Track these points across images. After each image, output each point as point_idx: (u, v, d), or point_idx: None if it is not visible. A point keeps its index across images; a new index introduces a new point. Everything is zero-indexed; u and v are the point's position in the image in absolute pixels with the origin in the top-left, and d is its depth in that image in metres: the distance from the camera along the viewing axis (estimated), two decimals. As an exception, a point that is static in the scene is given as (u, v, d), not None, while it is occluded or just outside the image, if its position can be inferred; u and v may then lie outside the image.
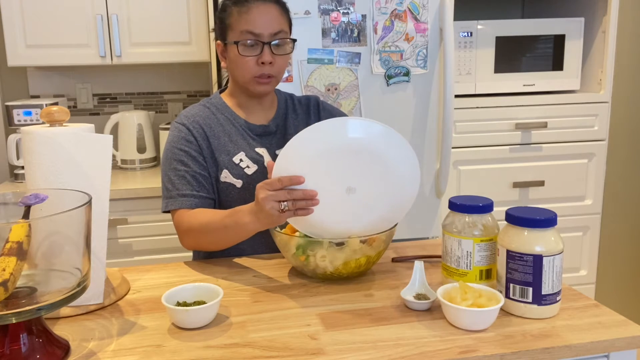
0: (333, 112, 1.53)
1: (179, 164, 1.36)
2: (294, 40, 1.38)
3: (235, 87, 1.45)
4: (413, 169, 1.14)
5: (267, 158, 1.41)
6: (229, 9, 1.36)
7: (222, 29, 1.39)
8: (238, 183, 1.38)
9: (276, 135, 1.45)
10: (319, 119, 1.49)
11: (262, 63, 1.33)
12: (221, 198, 1.41)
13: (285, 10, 1.39)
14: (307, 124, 1.44)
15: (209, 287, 1.04)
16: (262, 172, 1.39)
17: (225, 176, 1.38)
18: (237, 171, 1.38)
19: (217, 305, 0.99)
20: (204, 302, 1.01)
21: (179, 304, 1.01)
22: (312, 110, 1.51)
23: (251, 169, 1.39)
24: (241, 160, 1.39)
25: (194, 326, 0.98)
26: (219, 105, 1.46)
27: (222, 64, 1.43)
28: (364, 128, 1.09)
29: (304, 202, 1.09)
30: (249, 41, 1.32)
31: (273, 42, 1.34)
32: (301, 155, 1.08)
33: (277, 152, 1.42)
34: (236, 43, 1.33)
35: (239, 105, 1.46)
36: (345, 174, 1.10)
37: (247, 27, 1.32)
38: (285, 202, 1.08)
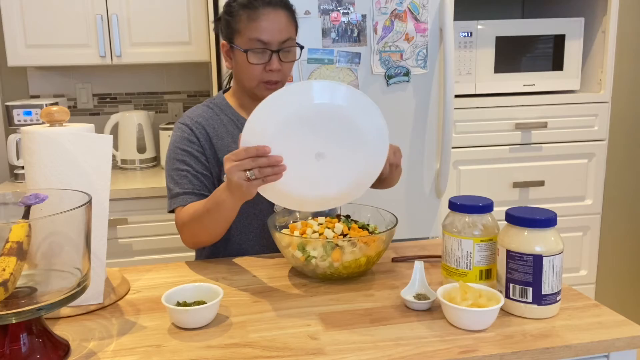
0: None
1: (181, 164, 1.37)
2: (302, 47, 1.38)
3: (239, 88, 1.44)
4: (380, 131, 1.11)
5: None
6: (238, 13, 1.34)
7: (229, 32, 1.37)
8: None
9: None
10: None
11: (270, 70, 1.33)
12: None
13: (293, 15, 1.38)
14: None
15: (209, 287, 1.04)
16: None
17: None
18: None
19: (217, 305, 0.99)
20: (204, 302, 1.01)
21: (179, 304, 1.01)
22: None
23: None
24: None
25: (194, 326, 0.98)
26: (222, 105, 1.46)
27: (227, 64, 1.42)
28: (329, 91, 1.07)
29: (270, 169, 1.07)
30: (257, 49, 1.32)
31: (281, 50, 1.33)
32: (268, 123, 1.06)
33: None
34: (246, 51, 1.32)
35: (242, 106, 1.45)
36: (314, 139, 1.08)
37: (256, 35, 1.31)
38: (252, 170, 1.07)
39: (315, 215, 1.34)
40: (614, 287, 2.93)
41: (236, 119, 1.44)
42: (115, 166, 2.59)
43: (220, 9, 1.52)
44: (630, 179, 2.88)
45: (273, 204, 1.41)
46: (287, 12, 1.35)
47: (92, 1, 2.30)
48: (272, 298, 1.10)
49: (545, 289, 0.97)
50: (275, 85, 1.36)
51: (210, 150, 1.39)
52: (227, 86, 1.58)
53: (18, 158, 2.30)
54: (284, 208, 1.40)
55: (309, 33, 1.94)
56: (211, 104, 1.46)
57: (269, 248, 1.41)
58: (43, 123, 1.07)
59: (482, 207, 1.06)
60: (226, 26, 1.38)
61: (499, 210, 1.25)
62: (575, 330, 0.95)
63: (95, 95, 2.70)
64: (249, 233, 1.42)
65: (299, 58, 1.40)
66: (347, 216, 1.31)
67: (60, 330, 0.98)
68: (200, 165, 1.37)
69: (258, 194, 1.32)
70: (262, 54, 1.32)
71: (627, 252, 2.92)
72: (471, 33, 2.24)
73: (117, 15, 2.31)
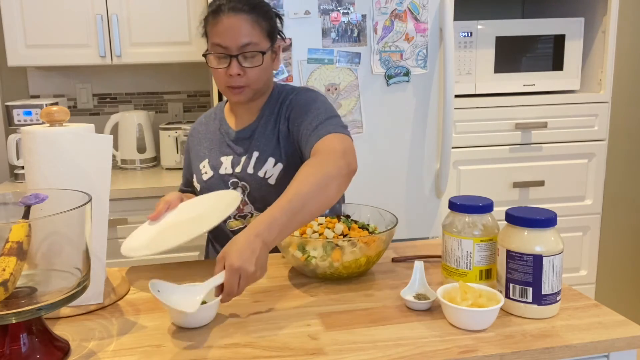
0: (291, 107, 1.38)
1: (183, 164, 1.60)
2: (264, 53, 1.32)
3: None
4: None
5: (225, 164, 1.42)
6: (207, 19, 1.35)
7: (206, 38, 1.39)
8: (198, 187, 1.47)
9: (248, 140, 1.41)
10: (285, 118, 1.39)
11: (230, 75, 1.32)
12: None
13: (261, 18, 1.32)
14: (275, 125, 1.38)
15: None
16: (217, 179, 1.43)
17: (194, 180, 1.49)
18: (199, 176, 1.47)
19: (216, 305, 0.99)
20: (204, 302, 1.01)
21: None
22: (280, 106, 1.41)
23: (207, 175, 1.44)
24: (204, 166, 1.46)
25: (194, 326, 0.98)
26: (219, 109, 1.52)
27: None
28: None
29: None
30: (218, 54, 1.32)
31: (241, 55, 1.30)
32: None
33: (242, 158, 1.40)
34: (205, 55, 1.35)
35: (232, 110, 1.49)
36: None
37: (215, 40, 1.32)
38: None
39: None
40: (614, 287, 2.93)
41: (221, 124, 1.48)
42: (115, 166, 2.59)
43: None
44: (630, 179, 2.88)
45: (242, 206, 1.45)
46: (252, 16, 1.30)
47: (92, 1, 2.30)
48: (272, 298, 1.10)
49: (545, 289, 0.97)
50: (240, 90, 1.33)
51: (192, 156, 1.52)
52: None
53: (18, 158, 2.30)
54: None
55: (309, 33, 1.94)
56: (215, 108, 1.55)
57: None
58: (43, 123, 1.07)
59: (482, 207, 1.06)
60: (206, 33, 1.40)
61: (499, 210, 1.25)
62: (575, 330, 0.95)
63: (95, 95, 2.70)
64: (213, 234, 1.49)
65: (263, 63, 1.32)
66: (347, 216, 1.31)
67: (60, 330, 0.98)
68: (189, 172, 1.55)
69: None
70: (222, 59, 1.32)
71: (627, 252, 2.92)
72: (471, 33, 2.24)
73: (117, 15, 2.31)
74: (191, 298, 0.98)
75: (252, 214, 1.41)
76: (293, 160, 1.37)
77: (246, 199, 1.41)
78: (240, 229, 1.40)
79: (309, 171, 1.12)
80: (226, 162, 1.43)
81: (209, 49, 1.35)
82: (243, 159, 1.41)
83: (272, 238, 1.02)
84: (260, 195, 1.39)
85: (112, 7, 2.31)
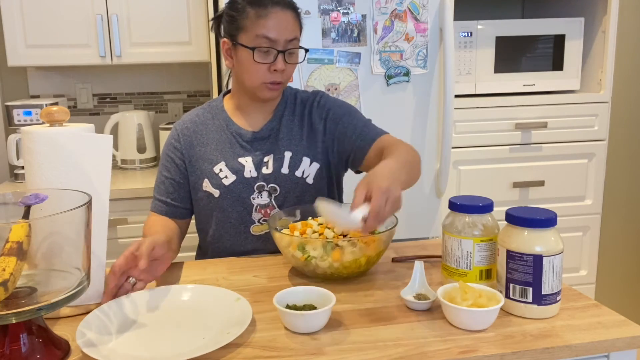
0: (327, 108, 1.43)
1: (164, 169, 1.43)
2: (306, 50, 1.38)
3: (238, 88, 1.41)
4: None
5: (248, 167, 1.38)
6: (245, 10, 1.30)
7: (233, 28, 1.33)
8: (216, 193, 1.38)
9: (268, 140, 1.40)
10: (310, 121, 1.42)
11: (275, 70, 1.31)
12: (202, 206, 1.42)
13: (299, 17, 1.36)
14: (300, 126, 1.42)
15: (319, 292, 1.01)
16: (241, 182, 1.37)
17: (206, 185, 1.39)
18: (216, 181, 1.38)
19: (329, 312, 0.96)
20: (314, 308, 0.97)
21: (288, 307, 0.98)
22: (307, 109, 1.44)
23: (229, 179, 1.38)
24: (221, 170, 1.38)
25: (305, 331, 0.95)
26: (218, 109, 1.44)
27: (226, 62, 1.38)
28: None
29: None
30: (263, 47, 1.29)
31: (287, 50, 1.31)
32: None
33: (265, 158, 1.39)
34: (253, 49, 1.29)
35: (238, 108, 1.43)
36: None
37: (263, 33, 1.28)
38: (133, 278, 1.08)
39: (315, 215, 1.34)
40: (614, 287, 2.93)
41: (226, 124, 1.42)
42: (115, 166, 2.59)
43: (220, 9, 1.51)
44: (630, 179, 2.88)
45: (248, 213, 1.39)
46: (294, 13, 1.34)
47: (92, 1, 2.30)
48: (272, 298, 1.10)
49: (545, 289, 0.97)
50: (277, 86, 1.34)
51: (193, 157, 1.41)
52: (227, 87, 1.58)
53: (18, 158, 2.30)
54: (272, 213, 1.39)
55: (309, 33, 1.94)
56: (208, 107, 1.46)
57: (268, 248, 1.41)
58: (43, 123, 1.07)
59: (482, 207, 1.06)
60: (230, 22, 1.34)
61: (499, 210, 1.25)
62: (575, 330, 0.95)
63: (95, 95, 2.70)
64: (225, 241, 1.42)
65: (302, 61, 1.39)
66: (347, 216, 1.31)
67: (60, 330, 0.98)
68: (179, 173, 1.42)
69: (226, 205, 1.36)
70: (267, 54, 1.30)
71: (627, 252, 2.92)
72: (471, 33, 2.24)
73: (117, 15, 2.31)
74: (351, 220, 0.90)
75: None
76: (326, 160, 1.41)
77: (273, 202, 1.39)
78: (266, 234, 1.40)
79: (403, 148, 1.22)
80: (247, 164, 1.38)
81: (250, 41, 1.29)
82: (269, 160, 1.38)
83: (402, 181, 1.07)
84: (295, 196, 1.38)
85: (112, 7, 2.31)
